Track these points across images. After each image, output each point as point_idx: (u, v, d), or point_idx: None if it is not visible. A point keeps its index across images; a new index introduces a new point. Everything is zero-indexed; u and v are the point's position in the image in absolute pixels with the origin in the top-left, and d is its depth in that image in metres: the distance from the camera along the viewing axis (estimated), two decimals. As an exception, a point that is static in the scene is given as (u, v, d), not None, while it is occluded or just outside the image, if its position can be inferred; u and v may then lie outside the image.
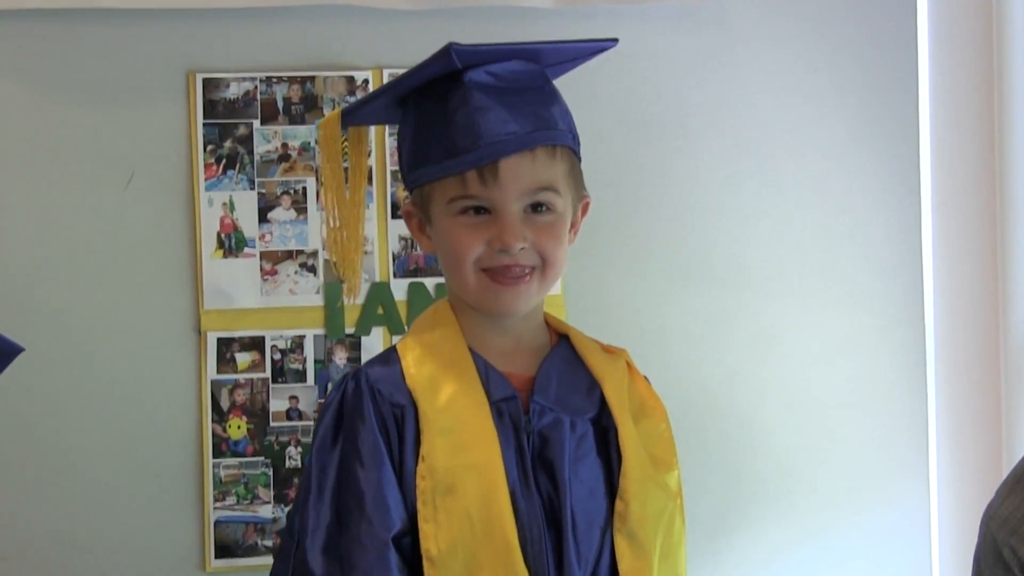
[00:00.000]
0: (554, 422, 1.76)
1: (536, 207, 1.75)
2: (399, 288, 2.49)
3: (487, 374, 1.76)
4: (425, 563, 1.68)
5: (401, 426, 1.72)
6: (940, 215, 2.64)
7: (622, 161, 2.56)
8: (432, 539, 1.68)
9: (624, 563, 1.74)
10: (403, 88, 1.80)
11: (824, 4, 2.61)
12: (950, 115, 2.63)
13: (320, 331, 2.49)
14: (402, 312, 2.49)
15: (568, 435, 1.75)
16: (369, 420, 1.72)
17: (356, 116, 1.89)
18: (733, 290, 2.59)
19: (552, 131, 1.76)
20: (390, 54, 2.50)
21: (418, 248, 2.44)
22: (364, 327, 2.49)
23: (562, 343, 1.84)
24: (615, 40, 1.87)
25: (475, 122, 1.71)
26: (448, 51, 1.71)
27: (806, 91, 2.61)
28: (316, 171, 2.47)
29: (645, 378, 1.89)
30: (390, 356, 1.79)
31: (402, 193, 2.39)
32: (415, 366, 1.76)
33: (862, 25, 2.62)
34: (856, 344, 2.62)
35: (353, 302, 2.42)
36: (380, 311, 2.49)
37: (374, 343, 2.48)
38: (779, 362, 2.60)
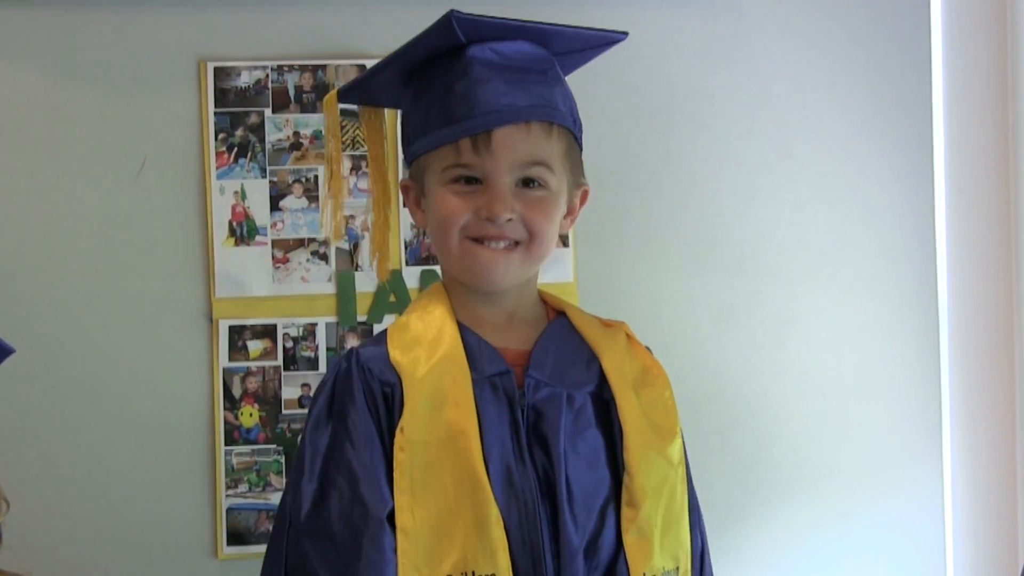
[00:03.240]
0: (550, 396, 1.75)
1: (528, 182, 1.75)
2: (411, 276, 2.49)
3: (480, 349, 1.75)
4: (399, 534, 1.67)
5: (391, 404, 1.72)
6: (954, 201, 2.64)
7: (636, 148, 2.56)
8: (407, 512, 1.68)
9: (628, 535, 1.74)
10: (407, 60, 1.79)
11: (838, -9, 2.61)
12: (964, 102, 2.63)
13: (332, 319, 2.49)
14: (414, 299, 2.49)
15: (564, 408, 1.75)
16: (360, 400, 1.72)
17: (359, 93, 1.89)
18: (747, 277, 2.59)
19: (550, 109, 1.75)
20: (402, 42, 2.47)
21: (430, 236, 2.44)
22: (376, 315, 2.49)
23: (559, 318, 1.83)
24: (625, 33, 1.87)
25: (472, 92, 1.71)
26: (449, 20, 1.71)
27: (820, 78, 2.61)
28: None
29: (647, 348, 1.87)
30: (381, 337, 1.79)
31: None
32: (400, 344, 1.75)
33: (876, 12, 2.62)
34: (870, 330, 2.62)
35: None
36: (392, 299, 2.49)
37: (386, 331, 2.49)
38: (794, 348, 2.60)
